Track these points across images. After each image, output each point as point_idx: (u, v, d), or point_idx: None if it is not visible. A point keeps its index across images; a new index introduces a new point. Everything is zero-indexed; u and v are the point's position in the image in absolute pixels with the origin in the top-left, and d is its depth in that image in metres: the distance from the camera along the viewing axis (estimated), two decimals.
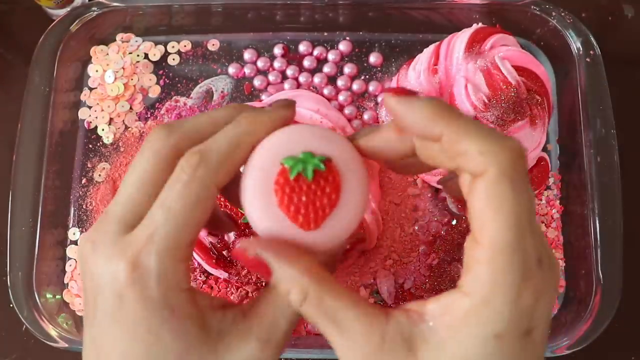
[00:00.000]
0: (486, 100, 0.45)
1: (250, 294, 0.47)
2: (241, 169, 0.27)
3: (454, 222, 0.49)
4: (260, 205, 0.25)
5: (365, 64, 0.53)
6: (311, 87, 0.53)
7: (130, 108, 0.52)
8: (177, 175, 0.25)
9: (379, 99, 0.52)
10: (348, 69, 0.53)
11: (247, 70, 0.53)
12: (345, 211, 0.26)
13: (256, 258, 0.25)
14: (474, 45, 0.47)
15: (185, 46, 0.53)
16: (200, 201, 0.25)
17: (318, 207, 0.25)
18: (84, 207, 0.49)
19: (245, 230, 0.46)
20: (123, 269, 0.24)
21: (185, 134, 0.26)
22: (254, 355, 0.25)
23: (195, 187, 0.25)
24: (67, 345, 0.44)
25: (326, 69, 0.53)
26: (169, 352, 0.25)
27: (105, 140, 0.51)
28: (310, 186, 0.25)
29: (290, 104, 0.28)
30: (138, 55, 0.53)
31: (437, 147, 0.25)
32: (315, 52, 0.53)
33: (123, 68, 0.52)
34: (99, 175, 0.50)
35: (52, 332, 0.44)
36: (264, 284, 0.47)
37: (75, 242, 0.49)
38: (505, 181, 0.23)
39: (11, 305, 0.45)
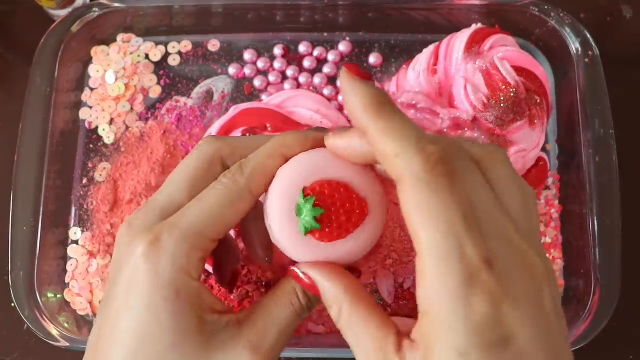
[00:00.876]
0: (485, 101, 0.45)
1: (250, 294, 0.47)
2: (261, 198, 0.29)
3: None
4: (286, 233, 0.27)
5: (365, 65, 0.53)
6: (311, 88, 0.53)
7: (131, 108, 0.52)
8: (219, 180, 0.28)
9: None
10: None
11: (248, 70, 0.53)
12: (368, 228, 0.28)
13: (309, 279, 0.27)
14: (473, 46, 0.47)
15: (185, 47, 0.54)
16: (234, 202, 0.27)
17: (341, 229, 0.27)
18: (85, 207, 0.50)
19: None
20: (144, 244, 0.26)
21: (229, 143, 0.29)
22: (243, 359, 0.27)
23: (232, 189, 0.27)
24: (68, 345, 0.44)
25: (326, 69, 0.53)
26: (164, 334, 0.26)
27: (106, 141, 0.51)
28: (330, 213, 0.27)
29: (324, 130, 0.29)
30: (139, 56, 0.53)
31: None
32: (316, 53, 0.53)
33: (124, 68, 0.52)
34: (100, 175, 0.50)
35: (54, 331, 0.44)
36: (263, 283, 0.47)
37: (76, 242, 0.49)
38: (422, 187, 0.21)
39: (13, 305, 0.45)
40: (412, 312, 0.47)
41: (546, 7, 0.50)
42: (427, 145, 0.22)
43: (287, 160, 0.28)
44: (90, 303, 0.48)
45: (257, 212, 0.30)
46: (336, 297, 0.26)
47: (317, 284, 0.27)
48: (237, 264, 0.36)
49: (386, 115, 0.23)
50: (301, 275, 0.27)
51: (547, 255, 0.49)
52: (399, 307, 0.47)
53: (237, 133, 0.48)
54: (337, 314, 0.26)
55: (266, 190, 0.28)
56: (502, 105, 0.44)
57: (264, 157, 0.28)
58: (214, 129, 0.48)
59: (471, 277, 0.20)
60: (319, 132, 0.28)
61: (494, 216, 0.22)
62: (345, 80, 0.24)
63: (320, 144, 0.28)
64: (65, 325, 0.45)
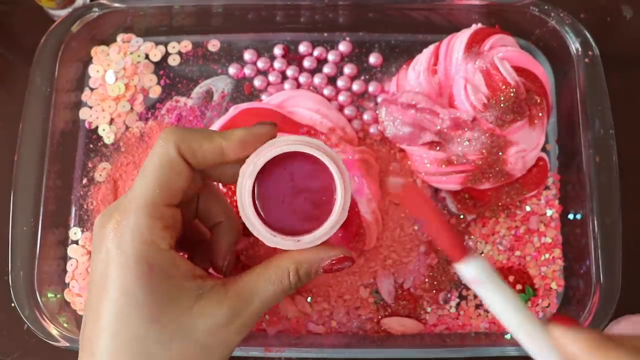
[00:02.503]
0: (485, 101, 0.45)
1: None
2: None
3: (453, 222, 0.49)
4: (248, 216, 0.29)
5: (365, 65, 0.53)
6: (311, 88, 0.53)
7: (131, 108, 0.52)
8: (153, 150, 0.29)
9: (379, 99, 0.52)
10: (348, 69, 0.53)
11: (248, 70, 0.53)
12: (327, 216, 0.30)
13: None
14: (473, 46, 0.47)
15: (185, 46, 0.54)
16: (172, 165, 0.29)
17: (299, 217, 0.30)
18: (85, 206, 0.50)
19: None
20: (108, 229, 0.28)
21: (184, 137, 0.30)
22: (221, 323, 0.28)
23: (159, 150, 0.29)
24: (68, 345, 0.44)
25: (326, 69, 0.53)
26: (142, 309, 0.27)
27: (106, 140, 0.51)
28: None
29: (266, 124, 0.31)
30: (139, 56, 0.53)
31: None
32: (315, 53, 0.53)
33: (124, 68, 0.52)
34: (100, 175, 0.50)
35: (54, 331, 0.44)
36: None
37: (76, 242, 0.49)
38: None
39: (13, 305, 0.45)
40: (411, 312, 0.47)
41: (546, 7, 0.50)
42: None
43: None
44: None
45: (229, 224, 0.33)
46: None
47: None
48: (233, 245, 0.36)
49: (613, 349, 0.23)
50: None
51: (547, 255, 0.49)
52: (399, 307, 0.47)
53: None
54: None
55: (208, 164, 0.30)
56: (502, 105, 0.44)
57: (202, 129, 0.31)
58: (213, 129, 0.48)
59: None
60: (262, 127, 0.31)
61: None
62: (560, 333, 0.24)
63: (267, 139, 0.30)
64: (65, 325, 0.45)
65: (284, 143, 0.29)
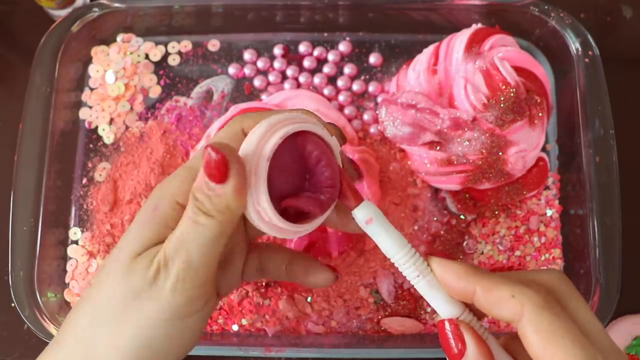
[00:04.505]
0: (485, 101, 0.45)
1: (250, 294, 0.47)
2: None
3: (453, 222, 0.49)
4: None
5: (365, 65, 0.53)
6: (311, 87, 0.53)
7: (131, 108, 0.52)
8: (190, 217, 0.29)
9: (379, 99, 0.52)
10: (348, 69, 0.53)
11: (247, 70, 0.53)
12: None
13: (455, 335, 0.27)
14: (473, 46, 0.47)
15: (185, 46, 0.54)
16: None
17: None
18: (85, 206, 0.50)
19: None
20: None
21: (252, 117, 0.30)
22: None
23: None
24: None
25: (326, 69, 0.53)
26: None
27: (106, 140, 0.51)
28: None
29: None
30: (139, 56, 0.53)
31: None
32: (316, 53, 0.53)
33: (124, 68, 0.52)
34: (100, 175, 0.50)
35: (54, 331, 0.44)
36: (263, 283, 0.47)
37: (76, 242, 0.49)
38: (545, 313, 0.24)
39: (13, 305, 0.45)
40: (411, 312, 0.47)
41: (546, 7, 0.50)
42: (531, 284, 0.26)
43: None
44: None
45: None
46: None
47: (467, 349, 0.27)
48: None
49: (485, 273, 0.27)
50: (452, 329, 0.27)
51: (547, 255, 0.49)
52: (399, 307, 0.47)
53: None
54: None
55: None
56: (502, 105, 0.44)
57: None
58: (213, 129, 0.48)
59: None
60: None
61: (600, 330, 0.26)
62: (437, 263, 0.28)
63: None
64: None
65: (279, 124, 0.27)
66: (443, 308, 0.27)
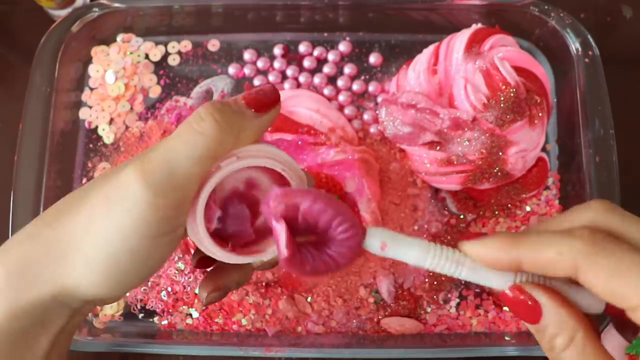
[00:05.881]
0: (485, 101, 0.45)
1: (249, 294, 0.47)
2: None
3: (453, 222, 0.49)
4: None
5: (365, 64, 0.53)
6: (311, 87, 0.53)
7: (131, 108, 0.52)
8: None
9: (379, 99, 0.52)
10: (348, 69, 0.53)
11: (247, 70, 0.53)
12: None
13: (524, 300, 0.25)
14: (473, 46, 0.47)
15: (185, 46, 0.54)
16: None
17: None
18: None
19: None
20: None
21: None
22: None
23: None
24: None
25: (326, 69, 0.53)
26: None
27: (106, 140, 0.51)
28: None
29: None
30: (139, 56, 0.53)
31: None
32: (316, 53, 0.53)
33: (124, 68, 0.52)
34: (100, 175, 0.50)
35: None
36: (263, 283, 0.47)
37: None
38: (600, 255, 0.23)
39: None
40: (411, 312, 0.47)
41: (546, 7, 0.50)
42: (573, 233, 0.23)
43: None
44: None
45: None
46: (567, 325, 0.24)
47: (543, 307, 0.25)
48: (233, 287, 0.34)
49: (522, 237, 0.24)
50: (518, 295, 0.25)
51: None
52: (399, 307, 0.47)
53: None
54: (565, 343, 0.25)
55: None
56: (502, 105, 0.44)
57: None
58: None
59: None
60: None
61: None
62: (469, 247, 0.25)
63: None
64: None
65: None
66: (498, 282, 0.25)
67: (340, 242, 0.25)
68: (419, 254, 0.26)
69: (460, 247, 0.26)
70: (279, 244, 0.24)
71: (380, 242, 0.26)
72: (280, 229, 0.24)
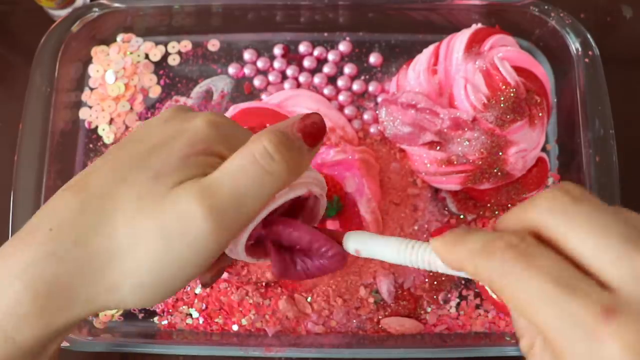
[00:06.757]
0: (485, 101, 0.45)
1: (249, 294, 0.47)
2: None
3: (453, 222, 0.49)
4: None
5: (365, 64, 0.53)
6: (311, 87, 0.53)
7: (131, 108, 0.52)
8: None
9: (379, 99, 0.52)
10: (348, 69, 0.53)
11: (247, 70, 0.53)
12: None
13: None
14: (473, 46, 0.47)
15: (185, 46, 0.54)
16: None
17: None
18: None
19: None
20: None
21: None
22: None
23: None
24: (68, 345, 0.44)
25: (326, 69, 0.53)
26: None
27: (106, 140, 0.51)
28: None
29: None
30: (139, 56, 0.53)
31: None
32: (316, 53, 0.53)
33: (124, 68, 0.52)
34: None
35: None
36: (263, 284, 0.47)
37: None
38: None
39: None
40: (411, 312, 0.47)
41: (546, 7, 0.50)
42: (494, 244, 0.21)
43: None
44: None
45: None
46: (529, 329, 0.24)
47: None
48: (224, 267, 0.35)
49: (461, 239, 0.23)
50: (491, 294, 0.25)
51: None
52: (399, 307, 0.47)
53: None
54: (528, 346, 0.24)
55: None
56: (502, 105, 0.44)
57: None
58: None
59: None
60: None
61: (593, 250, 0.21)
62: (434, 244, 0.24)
63: None
64: None
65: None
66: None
67: (322, 255, 0.29)
68: (394, 252, 0.27)
69: (431, 245, 0.25)
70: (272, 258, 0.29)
71: (354, 248, 0.28)
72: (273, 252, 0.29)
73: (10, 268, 0.24)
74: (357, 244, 0.28)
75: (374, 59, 0.53)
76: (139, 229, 0.24)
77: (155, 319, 0.47)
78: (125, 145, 0.27)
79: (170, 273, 0.25)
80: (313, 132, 0.26)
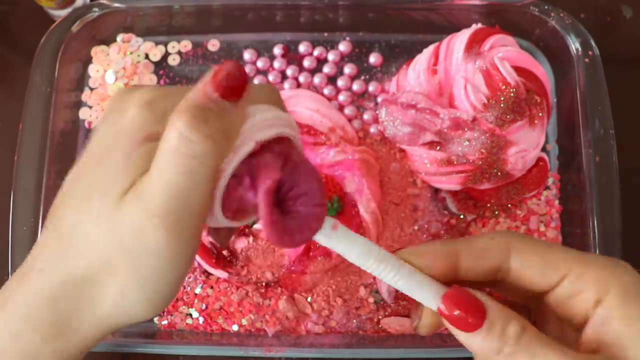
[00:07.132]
0: (485, 101, 0.45)
1: (249, 294, 0.47)
2: None
3: (453, 222, 0.49)
4: None
5: (365, 64, 0.53)
6: (311, 87, 0.53)
7: None
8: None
9: (379, 99, 0.52)
10: (348, 69, 0.53)
11: (247, 70, 0.53)
12: None
13: (468, 299, 0.25)
14: (473, 46, 0.47)
15: (185, 46, 0.54)
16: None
17: None
18: None
19: (245, 230, 0.46)
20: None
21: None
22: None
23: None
24: None
25: (326, 69, 0.53)
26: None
27: None
28: None
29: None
30: (139, 56, 0.53)
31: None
32: (315, 53, 0.53)
33: (124, 68, 0.52)
34: None
35: None
36: (263, 283, 0.47)
37: None
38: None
39: None
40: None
41: (546, 7, 0.50)
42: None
43: None
44: None
45: None
46: (512, 313, 0.25)
47: (485, 303, 0.25)
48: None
49: (457, 239, 0.28)
50: (461, 295, 0.25)
51: None
52: (399, 307, 0.47)
53: None
54: (521, 327, 0.25)
55: None
56: (502, 105, 0.44)
57: None
58: None
59: None
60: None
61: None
62: (409, 250, 0.27)
63: None
64: None
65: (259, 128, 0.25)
66: (429, 294, 0.25)
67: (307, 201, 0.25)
68: (360, 253, 0.26)
69: (399, 254, 0.26)
70: (262, 211, 0.24)
71: (332, 222, 0.26)
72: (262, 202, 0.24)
73: (12, 314, 0.25)
74: (337, 224, 0.26)
75: (374, 59, 0.53)
76: (106, 256, 0.24)
77: (155, 319, 0.47)
78: (82, 162, 0.26)
79: (153, 287, 0.24)
80: (231, 84, 0.23)
